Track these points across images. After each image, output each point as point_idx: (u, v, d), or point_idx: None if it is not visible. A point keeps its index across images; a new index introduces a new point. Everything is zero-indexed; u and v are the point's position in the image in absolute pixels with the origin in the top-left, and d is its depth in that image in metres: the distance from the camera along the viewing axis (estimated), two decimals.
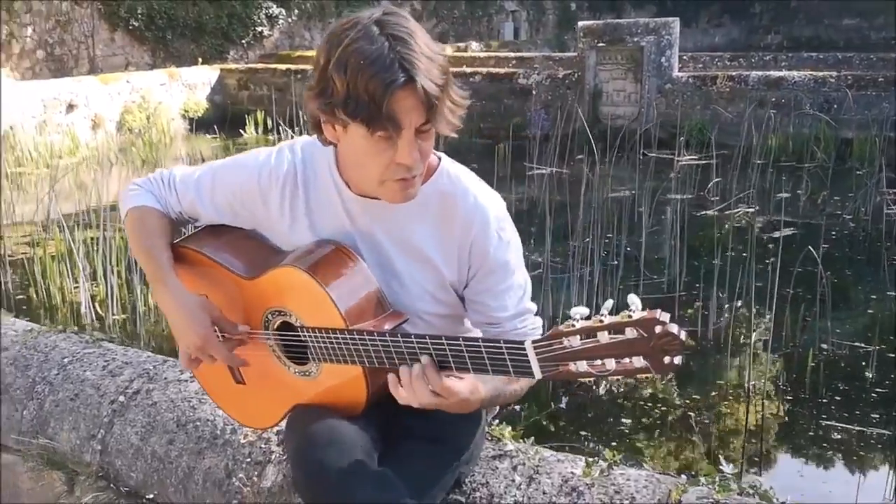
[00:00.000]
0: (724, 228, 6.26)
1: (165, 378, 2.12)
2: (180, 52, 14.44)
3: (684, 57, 11.67)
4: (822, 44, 21.13)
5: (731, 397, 3.96)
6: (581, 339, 1.17)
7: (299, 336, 1.52)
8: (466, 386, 1.37)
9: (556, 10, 21.59)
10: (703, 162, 8.45)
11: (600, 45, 10.57)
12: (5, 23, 12.46)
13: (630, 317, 1.14)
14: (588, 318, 1.18)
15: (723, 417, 3.80)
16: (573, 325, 1.18)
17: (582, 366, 1.18)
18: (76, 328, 2.49)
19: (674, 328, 1.12)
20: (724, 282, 4.61)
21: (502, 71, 11.63)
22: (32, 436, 2.12)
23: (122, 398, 2.08)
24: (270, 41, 15.95)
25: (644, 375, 1.16)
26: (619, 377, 1.17)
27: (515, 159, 8.85)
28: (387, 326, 1.44)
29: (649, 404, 3.89)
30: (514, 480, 1.63)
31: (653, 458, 3.37)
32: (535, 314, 1.62)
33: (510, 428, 1.79)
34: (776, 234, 6.44)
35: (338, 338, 1.44)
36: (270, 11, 15.75)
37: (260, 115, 11.57)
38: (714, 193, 7.53)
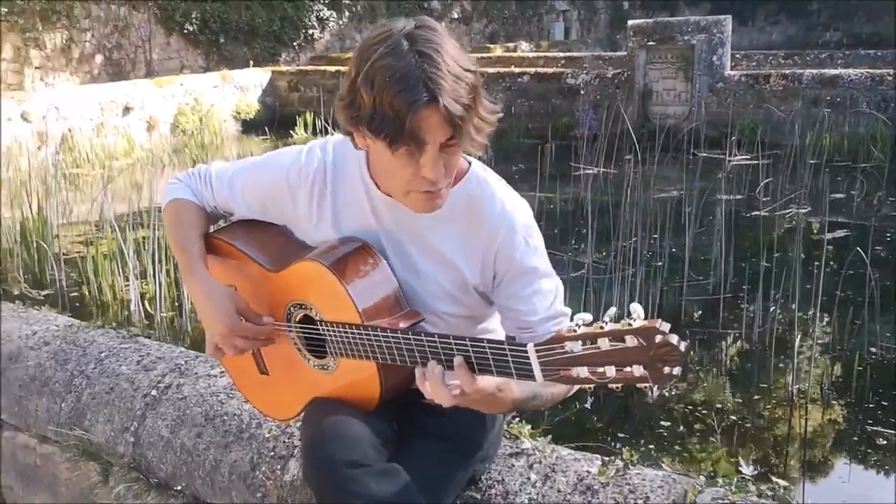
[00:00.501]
0: (773, 230, 6.14)
1: (196, 373, 2.17)
2: (233, 55, 14.70)
3: (737, 55, 11.50)
4: (882, 40, 20.58)
5: (774, 401, 3.89)
6: (582, 345, 1.17)
7: (318, 330, 1.55)
8: (494, 382, 1.36)
9: (608, 10, 21.43)
10: (755, 162, 8.31)
11: (650, 43, 10.47)
12: (66, 28, 12.82)
13: (630, 325, 1.13)
14: (590, 324, 1.18)
15: (766, 421, 3.74)
16: (575, 331, 1.18)
17: (583, 371, 1.18)
18: (114, 324, 2.55)
19: (674, 339, 1.11)
20: (772, 284, 4.52)
21: (550, 71, 11.59)
22: (70, 427, 2.19)
23: (154, 392, 2.13)
24: (321, 43, 16.14)
25: (643, 385, 1.15)
26: (619, 385, 1.17)
27: (563, 159, 8.81)
28: (402, 325, 1.45)
29: (689, 407, 3.84)
30: (529, 478, 1.63)
31: (698, 462, 3.33)
32: (571, 318, 1.60)
33: (529, 426, 1.79)
34: (828, 236, 6.31)
35: (354, 333, 1.46)
36: (321, 14, 15.94)
37: (309, 117, 11.70)
38: (765, 194, 7.39)
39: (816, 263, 4.33)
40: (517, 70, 11.67)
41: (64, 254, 5.97)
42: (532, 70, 11.66)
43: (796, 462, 3.41)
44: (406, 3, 17.38)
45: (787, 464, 3.38)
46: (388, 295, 1.52)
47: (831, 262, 4.38)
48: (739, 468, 1.59)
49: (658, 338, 1.11)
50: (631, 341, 1.13)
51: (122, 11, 13.55)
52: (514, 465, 1.68)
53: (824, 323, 4.22)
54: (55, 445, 2.25)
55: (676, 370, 1.12)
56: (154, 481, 2.01)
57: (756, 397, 3.91)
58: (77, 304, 5.25)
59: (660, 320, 1.12)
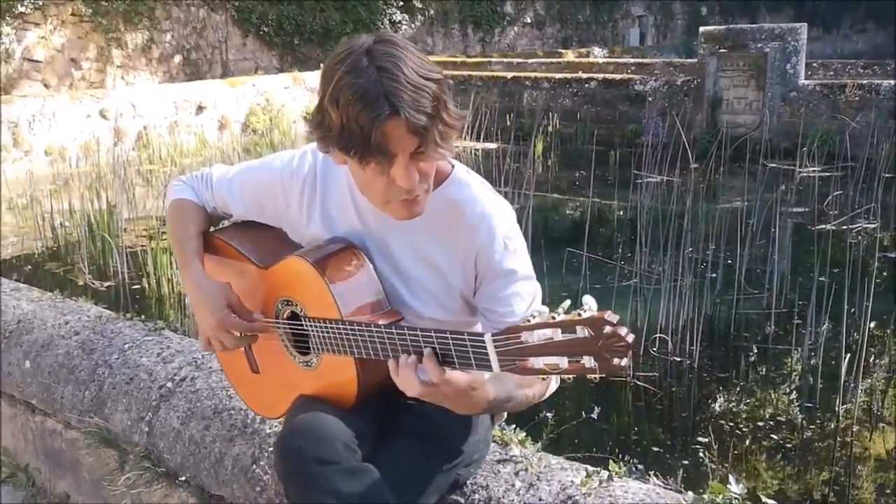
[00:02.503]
0: (838, 245, 5.94)
1: (210, 367, 2.22)
2: (307, 56, 14.97)
3: (814, 64, 11.20)
4: None
5: (818, 420, 3.78)
6: (537, 336, 1.18)
7: (303, 326, 1.58)
8: (466, 379, 1.37)
9: (685, 15, 21.09)
10: (826, 174, 8.07)
11: (721, 51, 10.27)
12: (147, 29, 13.25)
13: (580, 315, 1.13)
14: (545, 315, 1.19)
15: (809, 442, 3.63)
16: (529, 321, 1.19)
17: (538, 363, 1.18)
18: (143, 316, 2.63)
19: (622, 330, 1.11)
20: (829, 300, 4.37)
21: (618, 77, 11.46)
22: (91, 415, 2.27)
23: (169, 384, 2.20)
24: None
25: (592, 376, 1.14)
26: (571, 376, 1.17)
27: (627, 166, 8.70)
28: (381, 322, 1.47)
29: (730, 424, 3.76)
30: (514, 485, 1.63)
31: (743, 483, 3.25)
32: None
33: (524, 433, 1.79)
34: (894, 254, 6.08)
35: (333, 328, 1.49)
36: (394, 17, 16.12)
37: None
38: (833, 207, 7.17)
39: (878, 281, 4.19)
40: (584, 76, 11.58)
41: (129, 247, 6.16)
42: (600, 76, 11.55)
43: (841, 483, 3.31)
44: (479, 6, 17.42)
45: (832, 485, 3.29)
46: (369, 295, 1.54)
47: (886, 278, 4.22)
48: (728, 485, 1.55)
49: (607, 328, 1.12)
50: (581, 332, 1.13)
51: (200, 13, 13.94)
52: (500, 472, 1.68)
53: (869, 341, 4.05)
54: (79, 431, 2.33)
55: (625, 361, 1.12)
56: (162, 470, 2.08)
57: (801, 416, 3.80)
58: (138, 297, 5.42)
59: (609, 311, 1.13)
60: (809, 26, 10.33)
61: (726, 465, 3.43)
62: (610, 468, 1.62)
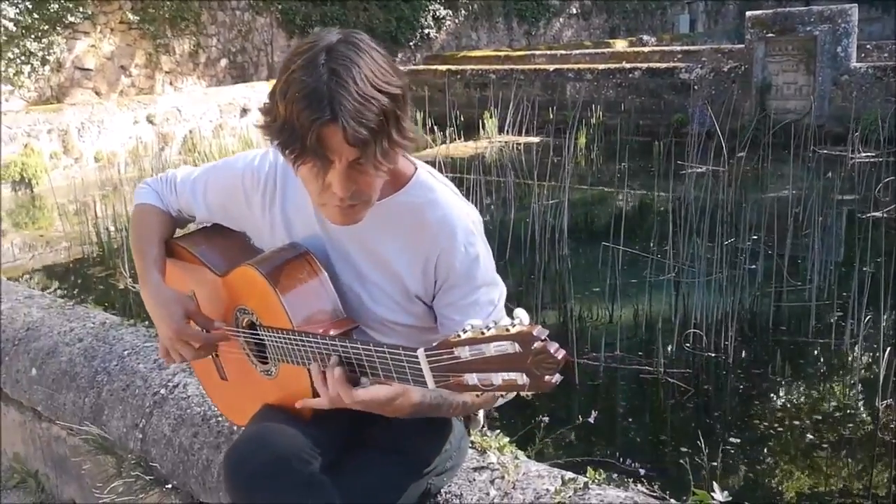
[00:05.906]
0: (890, 233, 5.73)
1: None
2: None
3: (867, 46, 10.84)
4: None
5: (859, 418, 3.63)
6: (470, 351, 1.13)
7: (260, 335, 1.56)
8: (384, 392, 1.34)
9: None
10: (880, 159, 7.79)
11: (769, 35, 9.99)
12: (193, 34, 13.43)
13: (508, 330, 1.08)
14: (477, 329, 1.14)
15: (847, 441, 3.49)
16: (459, 336, 1.13)
17: (472, 379, 1.13)
18: (147, 322, 2.64)
19: (552, 346, 1.06)
20: (873, 292, 4.19)
21: (663, 66, 11.22)
22: (90, 422, 2.28)
23: (163, 391, 2.19)
24: (437, 42, 16.26)
25: (525, 393, 1.09)
26: (505, 393, 1.12)
27: (673, 157, 8.53)
28: (332, 332, 1.43)
29: (765, 423, 3.64)
30: (488, 494, 1.58)
31: (764, 484, 3.15)
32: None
33: (507, 439, 1.73)
34: None
35: (285, 337, 1.46)
36: (437, 13, 16.05)
37: (419, 115, 11.81)
38: (885, 194, 6.91)
39: None
40: (629, 66, 11.37)
41: None
42: (644, 65, 11.33)
43: (882, 484, 3.17)
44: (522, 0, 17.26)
45: (872, 486, 3.15)
46: (322, 303, 1.50)
47: None
48: (712, 493, 1.47)
49: (536, 344, 1.07)
50: (511, 347, 1.08)
51: (246, 16, 14.08)
52: (475, 480, 1.62)
53: None
54: (80, 438, 2.34)
55: (555, 378, 1.07)
56: (150, 479, 2.07)
57: (836, 414, 3.66)
58: None
59: (538, 326, 1.08)
60: (867, 7, 9.99)
61: (760, 465, 3.32)
62: (588, 475, 1.55)
